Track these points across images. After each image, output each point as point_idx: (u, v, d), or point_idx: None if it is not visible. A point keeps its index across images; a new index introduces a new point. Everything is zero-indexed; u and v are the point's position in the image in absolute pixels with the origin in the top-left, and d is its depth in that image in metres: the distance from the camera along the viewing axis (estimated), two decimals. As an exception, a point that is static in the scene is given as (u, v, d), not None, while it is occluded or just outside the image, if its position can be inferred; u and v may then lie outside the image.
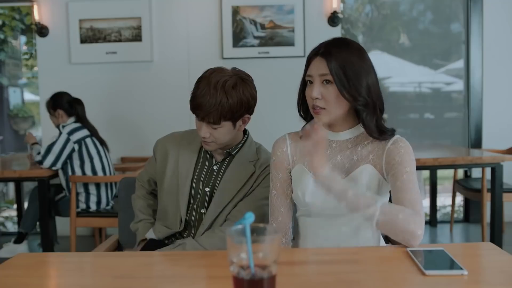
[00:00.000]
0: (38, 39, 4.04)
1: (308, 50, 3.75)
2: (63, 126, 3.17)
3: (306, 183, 1.35)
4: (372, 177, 1.32)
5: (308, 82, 1.34)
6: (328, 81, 1.29)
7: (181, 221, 1.59)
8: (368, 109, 1.31)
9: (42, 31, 3.99)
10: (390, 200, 1.34)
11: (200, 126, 1.52)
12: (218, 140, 1.53)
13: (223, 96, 1.46)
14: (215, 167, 1.62)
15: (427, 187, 4.28)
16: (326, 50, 1.31)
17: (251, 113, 1.57)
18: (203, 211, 1.60)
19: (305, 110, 1.42)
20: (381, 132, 1.33)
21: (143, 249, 1.62)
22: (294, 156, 1.42)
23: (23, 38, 5.98)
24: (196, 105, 1.48)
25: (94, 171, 3.21)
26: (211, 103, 1.45)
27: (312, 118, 1.36)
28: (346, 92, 1.28)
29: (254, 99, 1.55)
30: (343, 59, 1.28)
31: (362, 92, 1.29)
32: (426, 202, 4.26)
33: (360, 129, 1.38)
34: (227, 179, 1.58)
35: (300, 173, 1.39)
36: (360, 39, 4.49)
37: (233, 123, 1.52)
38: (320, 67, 1.30)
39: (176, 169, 1.62)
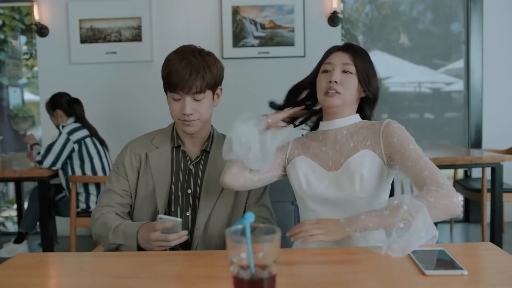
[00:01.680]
0: (38, 39, 4.04)
1: (308, 50, 3.80)
2: (63, 126, 3.18)
3: (308, 170, 1.44)
4: (374, 162, 1.37)
5: (324, 71, 1.45)
6: (347, 72, 1.42)
7: None
8: (370, 103, 1.49)
9: (42, 31, 3.99)
10: (391, 193, 1.38)
11: (182, 105, 1.46)
12: (202, 116, 1.49)
13: (204, 62, 1.45)
14: (191, 167, 1.56)
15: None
16: (348, 47, 1.46)
17: (221, 86, 1.57)
18: (188, 213, 1.53)
19: (307, 98, 1.54)
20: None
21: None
22: (295, 149, 1.51)
23: (23, 38, 5.98)
24: (178, 79, 1.42)
25: (94, 171, 3.21)
26: (195, 68, 1.42)
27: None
28: (363, 83, 1.42)
29: (223, 69, 1.55)
30: (362, 57, 1.45)
31: (372, 87, 1.45)
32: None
33: (354, 119, 1.47)
34: (209, 179, 1.54)
35: (302, 162, 1.46)
36: (360, 39, 4.49)
37: (213, 94, 1.51)
38: (343, 57, 1.44)
39: (150, 174, 1.54)
